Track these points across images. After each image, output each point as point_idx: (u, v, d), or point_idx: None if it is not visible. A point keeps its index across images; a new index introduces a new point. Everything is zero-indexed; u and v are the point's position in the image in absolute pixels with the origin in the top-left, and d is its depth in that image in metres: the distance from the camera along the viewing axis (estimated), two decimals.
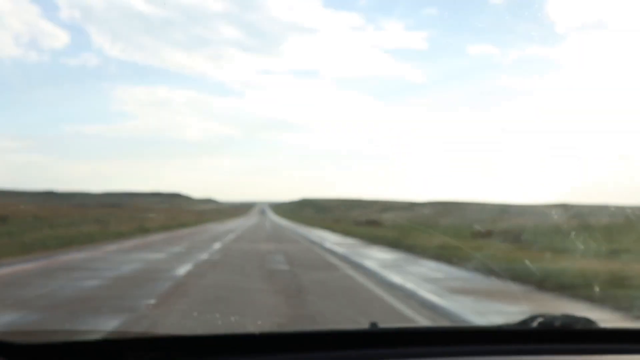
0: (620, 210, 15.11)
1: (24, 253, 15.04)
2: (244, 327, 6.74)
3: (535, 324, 1.84)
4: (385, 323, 1.82)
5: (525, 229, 20.38)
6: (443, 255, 15.46)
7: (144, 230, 29.48)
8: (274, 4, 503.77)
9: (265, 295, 9.49)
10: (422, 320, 7.47)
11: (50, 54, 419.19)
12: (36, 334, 2.25)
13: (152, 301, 8.38)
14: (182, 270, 12.50)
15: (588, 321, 1.87)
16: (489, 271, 11.32)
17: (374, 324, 1.82)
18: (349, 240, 27.03)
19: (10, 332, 3.59)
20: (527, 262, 10.52)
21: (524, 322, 1.88)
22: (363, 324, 1.80)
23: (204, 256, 16.27)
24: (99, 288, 9.83)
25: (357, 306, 8.72)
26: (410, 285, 10.69)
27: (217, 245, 21.28)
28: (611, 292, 8.53)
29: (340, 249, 20.81)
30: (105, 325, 6.60)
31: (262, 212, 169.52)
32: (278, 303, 8.72)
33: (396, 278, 11.78)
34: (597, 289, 8.55)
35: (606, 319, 7.13)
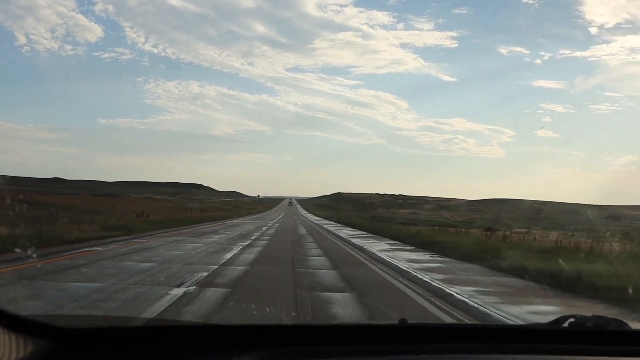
0: None
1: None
2: (279, 318, 6.96)
3: (566, 324, 1.85)
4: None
5: None
6: None
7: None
8: (306, 2, 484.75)
9: None
10: None
11: (85, 48, 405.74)
12: (79, 318, 2.94)
13: None
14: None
15: (620, 322, 1.87)
16: None
17: (403, 320, 1.87)
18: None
19: (55, 315, 3.86)
20: None
21: (556, 322, 1.89)
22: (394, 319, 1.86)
23: None
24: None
25: None
26: None
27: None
28: None
29: None
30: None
31: (290, 206, 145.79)
32: None
33: None
34: None
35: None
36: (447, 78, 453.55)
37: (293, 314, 7.41)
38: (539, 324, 1.97)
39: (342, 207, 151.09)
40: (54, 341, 1.50)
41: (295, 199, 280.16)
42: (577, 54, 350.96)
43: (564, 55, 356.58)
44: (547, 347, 1.74)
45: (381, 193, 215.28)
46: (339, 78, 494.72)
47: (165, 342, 1.60)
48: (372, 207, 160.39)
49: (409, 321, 1.86)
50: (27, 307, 7.19)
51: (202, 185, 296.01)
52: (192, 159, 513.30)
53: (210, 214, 49.21)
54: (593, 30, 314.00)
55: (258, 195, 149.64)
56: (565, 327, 1.83)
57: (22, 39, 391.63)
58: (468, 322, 7.19)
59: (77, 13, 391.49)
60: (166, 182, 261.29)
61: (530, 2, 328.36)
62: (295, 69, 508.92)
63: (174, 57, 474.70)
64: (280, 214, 73.56)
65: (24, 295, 8.33)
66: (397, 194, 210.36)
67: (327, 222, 51.69)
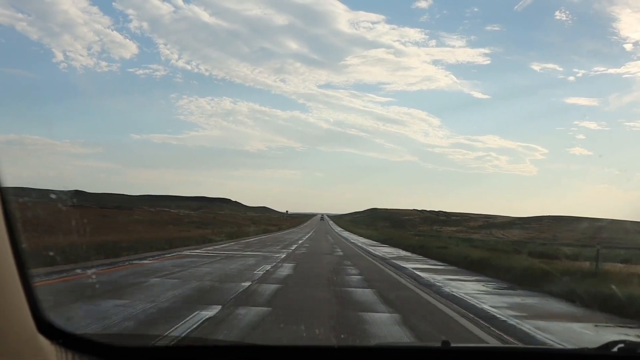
0: None
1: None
2: (328, 339, 6.69)
3: (615, 349, 1.82)
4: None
5: None
6: None
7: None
8: (338, 19, 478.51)
9: None
10: None
11: (120, 64, 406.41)
12: (132, 337, 3.15)
13: None
14: None
15: None
16: None
17: (445, 342, 1.85)
18: None
19: (104, 334, 4.29)
20: None
21: (605, 347, 1.85)
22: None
23: None
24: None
25: None
26: None
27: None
28: None
29: None
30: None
31: (322, 223, 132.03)
32: None
33: None
34: None
35: None
36: (479, 95, 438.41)
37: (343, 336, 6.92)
38: (587, 348, 1.93)
39: (379, 223, 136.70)
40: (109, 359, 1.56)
41: (327, 215, 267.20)
42: (612, 70, 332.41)
43: (598, 72, 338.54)
44: None
45: (419, 209, 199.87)
46: (371, 95, 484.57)
47: None
48: (411, 224, 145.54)
49: (452, 344, 1.84)
50: None
51: (229, 200, 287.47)
52: (223, 175, 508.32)
53: (201, 232, 35.61)
54: (628, 47, 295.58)
55: (286, 211, 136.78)
56: (614, 352, 1.80)
57: (60, 56, 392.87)
58: (515, 344, 6.72)
59: (112, 30, 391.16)
60: (192, 197, 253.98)
61: (564, 18, 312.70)
62: (327, 85, 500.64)
63: (207, 73, 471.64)
64: (308, 233, 58.69)
65: None
66: (435, 210, 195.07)
67: (386, 250, 30.67)
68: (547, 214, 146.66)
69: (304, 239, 41.24)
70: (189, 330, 6.74)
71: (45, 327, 1.34)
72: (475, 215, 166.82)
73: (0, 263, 1.13)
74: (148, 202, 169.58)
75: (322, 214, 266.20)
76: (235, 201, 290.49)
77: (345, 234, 64.33)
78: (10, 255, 1.16)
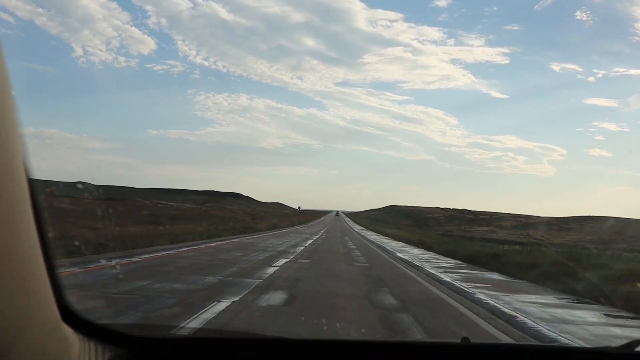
0: None
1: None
2: (348, 333, 6.50)
3: (639, 348, 1.79)
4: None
5: None
6: None
7: None
8: (356, 17, 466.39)
9: None
10: None
11: (138, 60, 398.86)
12: (153, 327, 3.06)
13: None
14: None
15: None
16: None
17: (465, 339, 1.84)
18: None
19: (127, 324, 4.11)
20: None
21: (628, 346, 1.82)
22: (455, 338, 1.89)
23: None
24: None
25: None
26: None
27: None
28: None
29: None
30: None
31: (337, 220, 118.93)
32: None
33: None
34: None
35: None
36: (497, 95, 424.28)
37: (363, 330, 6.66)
38: (610, 347, 1.87)
39: (400, 221, 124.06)
40: (131, 350, 1.57)
41: (342, 212, 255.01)
42: (633, 71, 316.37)
43: (619, 73, 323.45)
44: None
45: (442, 207, 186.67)
46: (388, 93, 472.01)
47: (238, 355, 1.65)
48: (436, 222, 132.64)
49: (472, 340, 1.85)
50: None
51: (240, 194, 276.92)
52: (238, 171, 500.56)
53: (156, 229, 23.93)
54: None
55: (299, 207, 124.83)
56: (637, 351, 1.79)
57: (79, 51, 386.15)
58: (534, 342, 6.41)
59: (131, 26, 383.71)
60: (202, 191, 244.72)
61: (585, 18, 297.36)
62: (344, 83, 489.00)
63: (224, 70, 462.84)
64: (319, 232, 44.95)
65: None
66: (459, 208, 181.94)
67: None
68: (584, 215, 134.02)
69: (316, 237, 28.28)
70: None
71: (70, 317, 1.35)
72: (506, 215, 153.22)
73: (29, 252, 1.13)
74: (153, 195, 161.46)
75: (338, 211, 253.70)
76: (247, 196, 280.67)
77: (372, 236, 47.10)
78: (37, 245, 1.16)
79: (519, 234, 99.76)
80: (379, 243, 33.97)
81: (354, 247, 28.12)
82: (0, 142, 0.98)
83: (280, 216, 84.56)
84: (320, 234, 41.24)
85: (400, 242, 36.63)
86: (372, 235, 47.54)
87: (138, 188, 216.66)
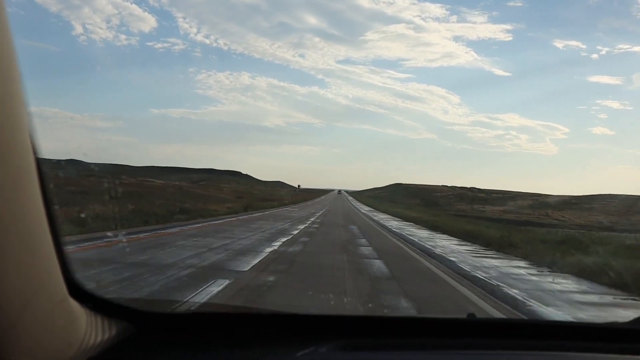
0: None
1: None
2: (355, 308, 6.57)
3: None
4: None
5: None
6: None
7: None
8: None
9: None
10: None
11: (139, 38, 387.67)
12: (161, 302, 3.04)
13: None
14: None
15: None
16: None
17: (471, 314, 1.86)
18: None
19: (133, 299, 4.04)
20: None
21: (637, 321, 1.82)
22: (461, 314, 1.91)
23: None
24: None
25: None
26: None
27: None
28: None
29: None
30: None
31: (339, 199, 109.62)
32: None
33: None
34: None
35: None
36: (500, 72, 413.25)
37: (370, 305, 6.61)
38: (618, 322, 1.87)
39: (407, 201, 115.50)
40: (136, 324, 1.58)
41: (345, 191, 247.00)
42: (636, 48, 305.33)
43: (622, 50, 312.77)
44: (627, 347, 1.65)
45: (449, 185, 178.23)
46: (390, 71, 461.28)
47: (241, 329, 1.65)
48: (446, 201, 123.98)
49: (478, 316, 1.87)
50: None
51: (239, 172, 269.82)
52: (241, 150, 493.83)
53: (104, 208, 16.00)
54: None
55: (298, 186, 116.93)
56: None
57: (79, 29, 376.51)
58: (541, 319, 6.26)
59: (131, 3, 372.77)
60: (199, 169, 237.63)
61: None
62: (346, 61, 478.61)
63: (225, 48, 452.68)
64: (303, 223, 29.87)
65: None
66: (467, 186, 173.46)
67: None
68: (598, 193, 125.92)
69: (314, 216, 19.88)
70: None
71: (76, 291, 1.37)
72: (520, 193, 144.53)
73: (36, 228, 1.15)
74: (148, 174, 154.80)
75: (340, 189, 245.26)
76: (246, 174, 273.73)
77: (391, 221, 33.44)
78: (45, 221, 1.18)
79: (538, 214, 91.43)
80: (366, 216, 24.77)
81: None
82: (7, 121, 0.99)
83: (280, 195, 75.82)
84: (321, 212, 32.33)
85: (456, 240, 21.26)
86: (390, 221, 32.84)
87: (133, 166, 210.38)
